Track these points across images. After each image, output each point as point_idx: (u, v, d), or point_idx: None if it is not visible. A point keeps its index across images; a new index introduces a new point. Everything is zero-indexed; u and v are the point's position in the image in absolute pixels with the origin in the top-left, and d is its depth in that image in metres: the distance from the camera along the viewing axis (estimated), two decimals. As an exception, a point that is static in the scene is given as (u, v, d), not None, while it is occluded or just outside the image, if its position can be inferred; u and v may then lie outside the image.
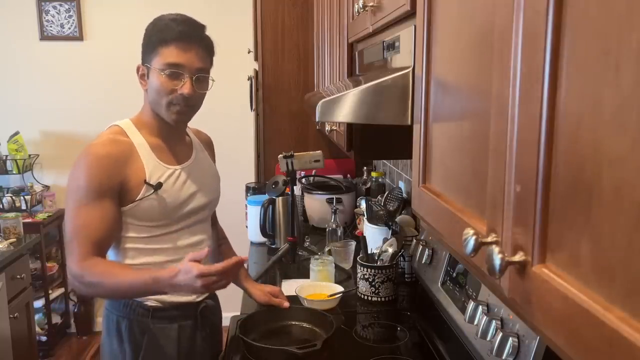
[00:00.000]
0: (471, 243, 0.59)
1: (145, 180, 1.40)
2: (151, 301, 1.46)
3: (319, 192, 2.67)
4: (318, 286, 1.89)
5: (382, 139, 1.64)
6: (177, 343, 1.50)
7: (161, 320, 1.48)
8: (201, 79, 1.42)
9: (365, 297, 1.88)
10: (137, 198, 1.39)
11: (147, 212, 1.42)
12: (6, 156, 3.59)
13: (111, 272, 1.35)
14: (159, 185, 1.42)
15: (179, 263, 1.31)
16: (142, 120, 1.48)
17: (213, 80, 1.47)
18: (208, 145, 1.69)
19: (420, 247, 1.73)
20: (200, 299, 1.55)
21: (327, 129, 2.18)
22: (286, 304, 1.72)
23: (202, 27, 1.44)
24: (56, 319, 3.70)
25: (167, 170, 1.45)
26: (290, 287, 1.92)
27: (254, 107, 3.17)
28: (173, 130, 1.50)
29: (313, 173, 2.88)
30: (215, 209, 1.67)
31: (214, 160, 1.70)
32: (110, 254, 1.46)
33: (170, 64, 1.37)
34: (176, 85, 1.39)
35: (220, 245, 1.82)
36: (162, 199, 1.43)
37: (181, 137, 1.56)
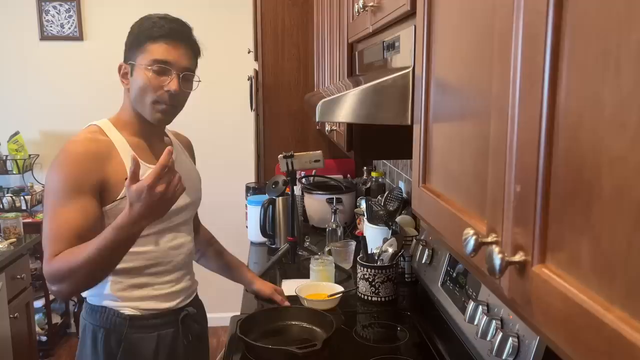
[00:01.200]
0: (471, 243, 0.59)
1: (126, 178, 1.33)
2: (129, 310, 1.42)
3: (319, 192, 2.67)
4: (318, 286, 1.89)
5: (382, 139, 1.64)
6: (155, 353, 1.44)
7: (139, 329, 1.42)
8: (187, 77, 1.41)
9: (365, 297, 1.88)
10: (118, 197, 1.35)
11: None
12: (6, 156, 3.59)
13: (75, 252, 1.25)
14: None
15: (124, 199, 1.22)
16: (121, 119, 1.44)
17: (199, 81, 1.45)
18: (188, 147, 1.66)
19: (420, 247, 1.73)
20: (180, 306, 1.51)
21: (327, 129, 2.18)
22: (286, 303, 1.79)
23: (190, 28, 1.43)
24: (56, 319, 3.70)
25: (148, 169, 1.38)
26: (290, 287, 1.92)
27: (254, 107, 3.17)
28: (153, 131, 1.47)
29: (313, 173, 2.88)
30: (197, 210, 1.64)
31: (194, 162, 1.67)
32: None
33: (158, 60, 1.35)
34: (163, 82, 1.36)
35: (212, 244, 1.82)
36: None
37: (161, 138, 1.53)
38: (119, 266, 1.32)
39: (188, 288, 1.55)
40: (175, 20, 1.41)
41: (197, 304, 1.61)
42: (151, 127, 1.45)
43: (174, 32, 1.38)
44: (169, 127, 1.56)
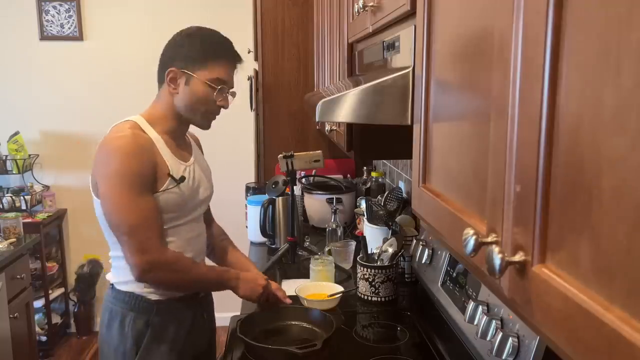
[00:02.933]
0: (471, 243, 0.59)
1: (169, 173, 1.46)
2: (154, 295, 1.51)
3: (319, 192, 2.67)
4: (318, 286, 1.89)
5: (382, 139, 1.64)
6: (177, 332, 1.54)
7: (164, 312, 1.53)
8: (232, 92, 1.57)
9: (365, 297, 1.88)
10: (161, 189, 1.44)
11: (165, 205, 1.46)
12: (6, 156, 3.59)
13: (199, 265, 1.55)
14: (182, 179, 1.48)
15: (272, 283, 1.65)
16: (154, 117, 1.52)
17: (235, 93, 1.58)
18: (198, 143, 1.75)
19: (420, 247, 1.73)
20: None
21: (327, 129, 2.18)
22: (288, 300, 1.78)
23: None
24: (56, 319, 3.70)
25: (182, 166, 1.52)
26: (290, 287, 1.92)
27: (254, 107, 3.16)
28: (183, 129, 1.59)
29: (313, 173, 2.88)
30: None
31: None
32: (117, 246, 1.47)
33: (222, 80, 1.50)
34: (219, 98, 1.51)
35: (222, 240, 1.84)
36: (182, 192, 1.49)
37: (184, 136, 1.63)
38: None
39: None
40: (230, 41, 1.58)
41: None
42: (182, 126, 1.57)
43: (237, 56, 1.56)
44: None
